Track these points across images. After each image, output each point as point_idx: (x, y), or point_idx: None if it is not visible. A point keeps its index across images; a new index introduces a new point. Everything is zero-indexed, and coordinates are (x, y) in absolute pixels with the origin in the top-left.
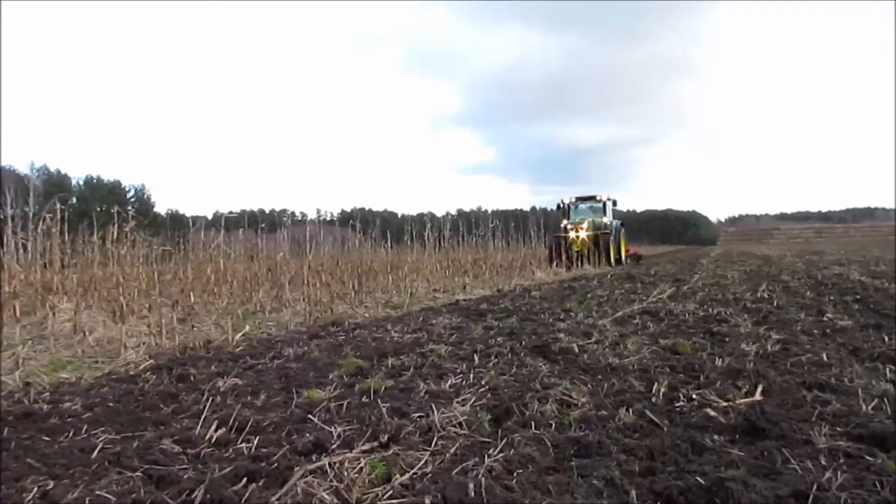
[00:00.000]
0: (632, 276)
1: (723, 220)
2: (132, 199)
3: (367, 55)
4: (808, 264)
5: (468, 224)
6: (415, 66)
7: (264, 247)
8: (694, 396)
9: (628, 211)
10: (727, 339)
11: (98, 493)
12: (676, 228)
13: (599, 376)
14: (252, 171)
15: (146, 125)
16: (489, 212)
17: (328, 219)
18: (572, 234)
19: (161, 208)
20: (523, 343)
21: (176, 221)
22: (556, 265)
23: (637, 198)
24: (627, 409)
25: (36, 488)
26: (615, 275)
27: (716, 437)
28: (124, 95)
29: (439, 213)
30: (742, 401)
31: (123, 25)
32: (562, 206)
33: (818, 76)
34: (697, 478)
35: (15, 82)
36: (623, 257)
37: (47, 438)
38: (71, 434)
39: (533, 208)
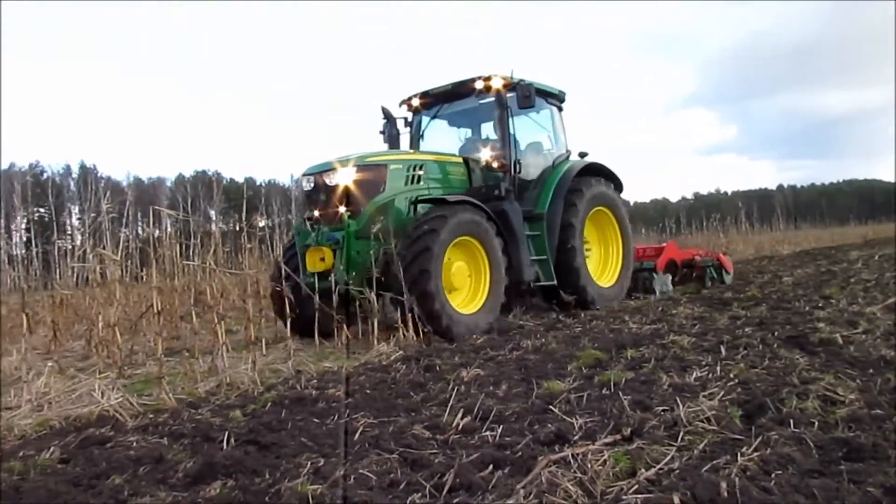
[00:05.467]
0: None
1: None
2: None
3: (595, 41)
4: None
5: (707, 208)
6: (645, 48)
7: None
8: None
9: None
10: None
11: (360, 471)
12: None
13: (871, 371)
14: None
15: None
16: (729, 193)
17: None
18: (312, 240)
19: None
20: (776, 333)
21: None
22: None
23: None
24: None
25: (309, 464)
26: (884, 255)
27: None
28: (372, 102)
29: (674, 199)
30: None
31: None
32: (388, 118)
33: None
34: None
35: (272, 106)
36: (587, 286)
37: (316, 420)
38: (335, 417)
39: (780, 186)
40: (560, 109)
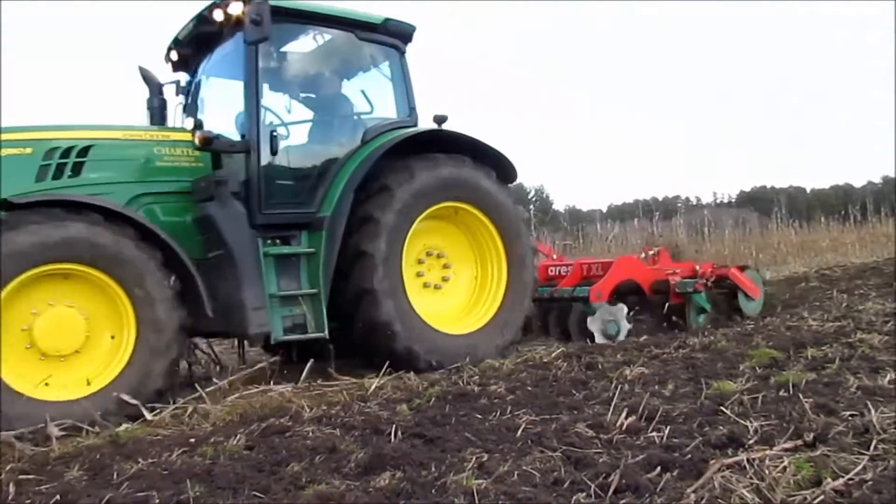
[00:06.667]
0: None
1: None
2: (533, 200)
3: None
4: None
5: None
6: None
7: (660, 234)
8: None
9: None
10: None
11: (524, 468)
12: None
13: None
14: (644, 160)
15: (540, 130)
16: None
17: (725, 201)
18: None
19: (559, 205)
20: None
21: (574, 216)
22: None
23: None
24: None
25: (474, 459)
26: None
27: None
28: (521, 107)
29: (858, 183)
30: None
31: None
32: (147, 83)
33: None
34: None
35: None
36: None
37: (479, 416)
38: (498, 413)
39: None
40: (401, 53)
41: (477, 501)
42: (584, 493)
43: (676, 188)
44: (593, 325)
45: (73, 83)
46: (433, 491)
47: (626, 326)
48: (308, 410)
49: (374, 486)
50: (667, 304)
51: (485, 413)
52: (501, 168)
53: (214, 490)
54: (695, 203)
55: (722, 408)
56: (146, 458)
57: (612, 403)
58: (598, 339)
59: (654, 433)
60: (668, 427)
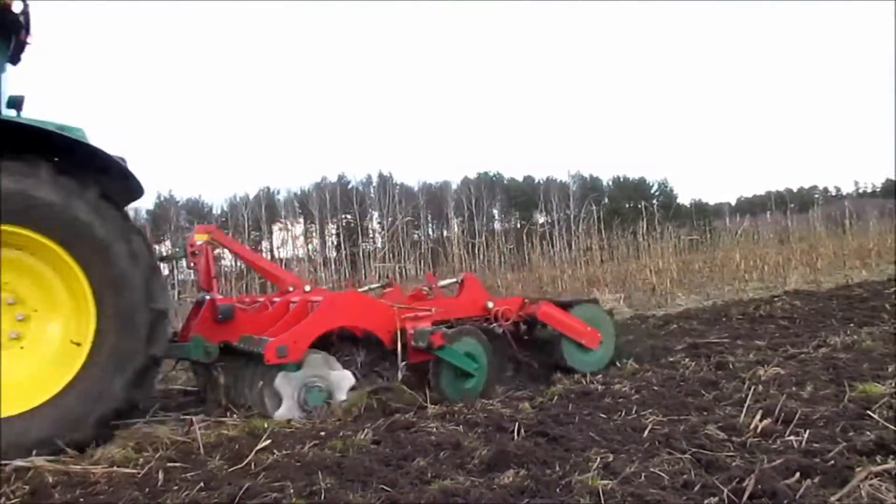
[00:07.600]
0: None
1: None
2: (656, 194)
3: None
4: None
5: None
6: None
7: (795, 228)
8: None
9: None
10: None
11: (651, 469)
12: None
13: None
14: (776, 148)
15: (664, 122)
16: None
17: (868, 191)
18: None
19: (684, 199)
20: None
21: (700, 210)
22: None
23: None
24: None
25: (599, 459)
26: None
27: None
28: (644, 98)
29: None
30: None
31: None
32: None
33: None
34: None
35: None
36: None
37: (603, 416)
38: (623, 413)
39: None
40: None
41: (603, 502)
42: (717, 498)
43: (813, 178)
44: (282, 408)
45: None
46: (558, 490)
47: (339, 378)
48: (432, 406)
49: (498, 483)
50: (402, 364)
51: (609, 412)
52: (119, 179)
53: (344, 482)
54: (834, 193)
55: (868, 412)
56: (280, 450)
57: (745, 405)
58: (294, 414)
59: (791, 437)
60: (808, 431)
